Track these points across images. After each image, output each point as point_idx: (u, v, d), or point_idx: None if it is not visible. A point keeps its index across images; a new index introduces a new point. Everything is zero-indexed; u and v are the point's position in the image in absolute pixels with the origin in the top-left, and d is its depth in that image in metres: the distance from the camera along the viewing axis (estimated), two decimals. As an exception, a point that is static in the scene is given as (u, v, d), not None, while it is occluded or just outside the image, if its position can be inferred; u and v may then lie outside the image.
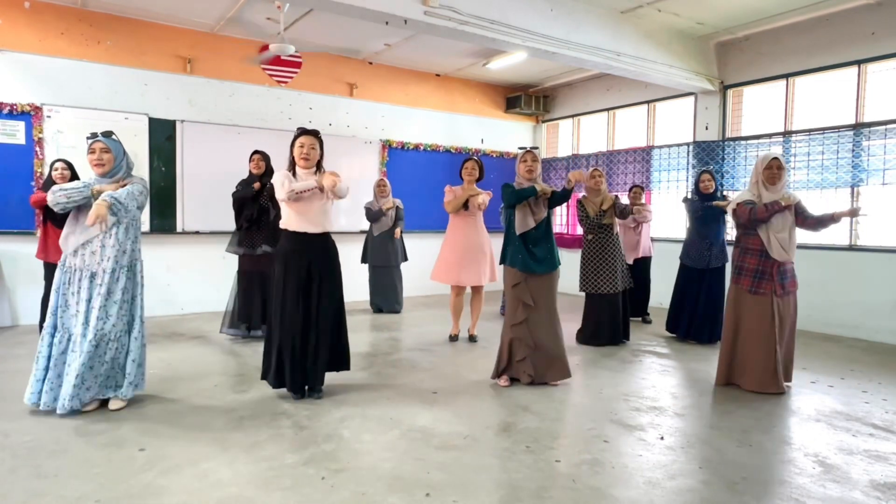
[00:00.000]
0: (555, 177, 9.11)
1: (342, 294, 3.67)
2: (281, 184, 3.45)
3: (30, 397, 3.22)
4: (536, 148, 4.09)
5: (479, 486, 2.49)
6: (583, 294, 5.37)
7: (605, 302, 5.21)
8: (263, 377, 3.63)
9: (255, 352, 4.72)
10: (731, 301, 4.05)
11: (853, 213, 3.91)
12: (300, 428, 3.11)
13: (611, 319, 5.23)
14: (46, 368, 3.21)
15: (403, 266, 6.84)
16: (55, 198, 3.18)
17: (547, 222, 4.04)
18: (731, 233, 6.24)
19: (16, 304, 5.86)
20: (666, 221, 7.40)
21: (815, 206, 5.14)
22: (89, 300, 3.22)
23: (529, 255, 3.93)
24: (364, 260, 6.79)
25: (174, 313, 6.53)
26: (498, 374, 4.03)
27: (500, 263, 4.14)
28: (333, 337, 3.61)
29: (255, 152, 5.21)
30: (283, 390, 3.62)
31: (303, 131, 3.57)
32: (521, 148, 4.12)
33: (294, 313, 3.47)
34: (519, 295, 3.94)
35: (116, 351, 3.30)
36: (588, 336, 5.28)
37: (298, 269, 3.48)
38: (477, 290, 5.31)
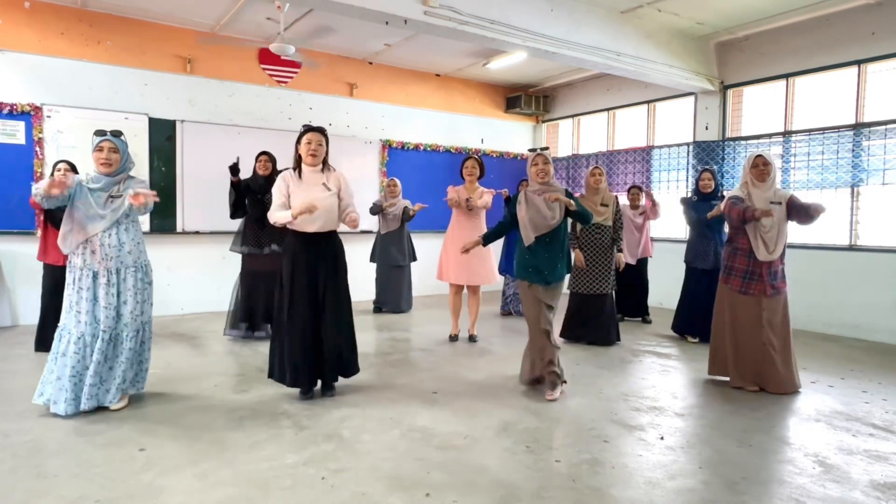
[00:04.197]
0: (555, 177, 9.09)
1: (349, 294, 3.67)
2: (277, 199, 3.51)
3: (43, 398, 3.22)
4: (546, 148, 3.82)
5: (479, 486, 2.49)
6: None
7: (588, 302, 5.16)
8: (271, 376, 3.61)
9: (255, 352, 4.72)
10: (720, 301, 4.05)
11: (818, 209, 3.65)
12: (300, 428, 3.11)
13: (591, 320, 5.16)
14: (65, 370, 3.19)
15: (404, 266, 6.84)
16: (36, 190, 3.10)
17: (563, 230, 3.80)
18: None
19: (16, 304, 5.86)
20: (666, 221, 7.39)
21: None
22: (94, 300, 3.22)
23: (536, 266, 3.69)
24: (373, 259, 6.80)
25: (174, 313, 6.52)
26: (529, 379, 3.90)
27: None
28: (343, 339, 3.62)
29: (262, 153, 5.17)
30: (286, 390, 3.63)
31: (309, 128, 3.56)
32: (530, 150, 3.84)
33: (304, 310, 3.47)
34: (537, 294, 3.72)
35: (130, 351, 3.31)
36: (569, 334, 5.25)
37: (307, 267, 3.49)
38: (474, 289, 5.29)
